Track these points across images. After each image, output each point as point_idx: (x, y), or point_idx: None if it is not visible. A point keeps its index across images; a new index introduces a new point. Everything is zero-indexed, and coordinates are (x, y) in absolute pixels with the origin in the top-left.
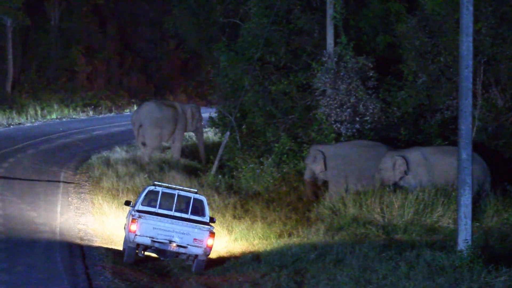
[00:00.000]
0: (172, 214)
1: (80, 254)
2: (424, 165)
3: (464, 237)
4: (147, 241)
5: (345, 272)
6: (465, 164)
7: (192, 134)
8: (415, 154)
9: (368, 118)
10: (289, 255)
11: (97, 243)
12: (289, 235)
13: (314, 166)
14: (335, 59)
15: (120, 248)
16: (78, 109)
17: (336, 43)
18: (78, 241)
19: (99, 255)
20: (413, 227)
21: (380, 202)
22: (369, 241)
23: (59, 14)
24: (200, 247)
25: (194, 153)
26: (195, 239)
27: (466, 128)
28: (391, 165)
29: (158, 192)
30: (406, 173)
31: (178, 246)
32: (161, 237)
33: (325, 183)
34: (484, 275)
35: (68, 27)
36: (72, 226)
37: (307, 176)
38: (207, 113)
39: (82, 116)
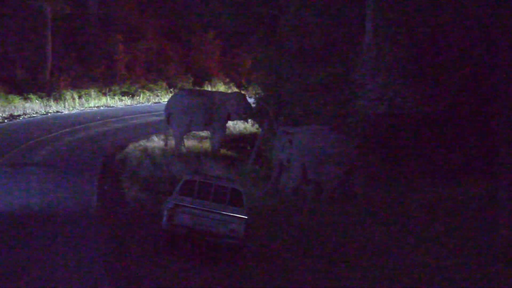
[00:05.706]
0: (209, 204)
1: (118, 244)
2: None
3: None
4: (184, 230)
5: None
6: None
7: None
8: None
9: (405, 111)
10: None
11: (134, 232)
12: None
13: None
14: (374, 51)
15: (158, 237)
16: (116, 97)
17: (375, 35)
18: (115, 229)
19: (136, 244)
20: None
21: None
22: None
23: (99, 1)
24: (237, 237)
25: (231, 143)
26: (231, 230)
27: None
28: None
29: (195, 181)
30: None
31: (215, 236)
32: (198, 227)
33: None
34: None
35: (108, 15)
36: (108, 214)
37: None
38: None
39: (120, 104)
